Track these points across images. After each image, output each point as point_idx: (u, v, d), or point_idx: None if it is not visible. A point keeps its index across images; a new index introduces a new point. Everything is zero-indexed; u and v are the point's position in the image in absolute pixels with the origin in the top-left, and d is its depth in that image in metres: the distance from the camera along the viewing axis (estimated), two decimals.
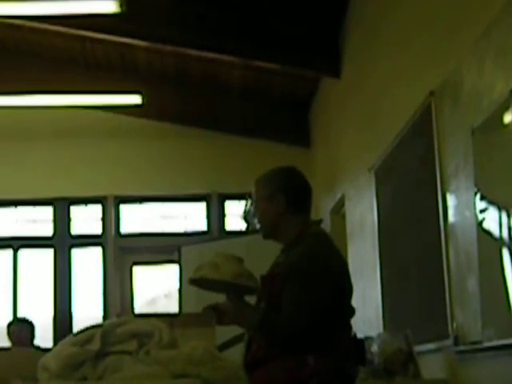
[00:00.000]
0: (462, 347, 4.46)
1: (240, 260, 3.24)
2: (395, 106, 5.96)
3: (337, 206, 8.47)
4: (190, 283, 3.27)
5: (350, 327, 3.33)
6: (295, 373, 3.10)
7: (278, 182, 3.40)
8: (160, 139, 10.18)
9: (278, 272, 3.26)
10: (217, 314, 3.24)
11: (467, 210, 4.35)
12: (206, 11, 7.73)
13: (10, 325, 6.80)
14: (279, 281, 3.19)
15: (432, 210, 4.89)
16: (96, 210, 10.31)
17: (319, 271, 3.17)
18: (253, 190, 3.46)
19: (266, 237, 3.41)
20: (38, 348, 6.50)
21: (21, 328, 6.70)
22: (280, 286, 3.17)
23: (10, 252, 10.18)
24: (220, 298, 3.35)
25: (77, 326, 9.57)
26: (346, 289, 3.28)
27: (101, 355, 2.66)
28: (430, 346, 4.99)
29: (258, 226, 3.43)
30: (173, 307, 9.73)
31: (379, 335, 5.11)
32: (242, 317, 3.21)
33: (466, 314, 4.43)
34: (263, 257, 3.60)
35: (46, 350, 3.72)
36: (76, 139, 10.14)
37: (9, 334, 6.67)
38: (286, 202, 3.33)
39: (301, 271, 3.16)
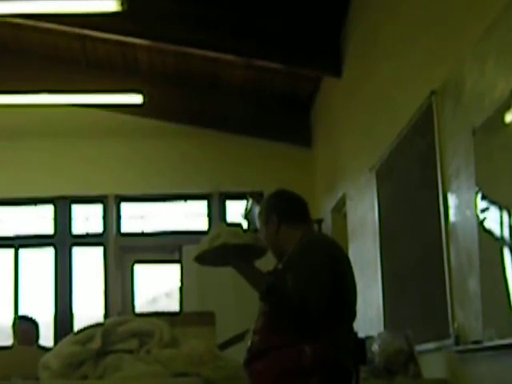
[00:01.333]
0: (462, 347, 4.46)
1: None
2: (396, 106, 5.96)
3: (338, 205, 8.47)
4: (197, 260, 3.35)
5: (350, 327, 3.35)
6: (294, 362, 3.15)
7: (271, 204, 3.62)
8: (161, 138, 10.18)
9: (279, 267, 3.41)
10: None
11: (468, 209, 4.34)
12: (207, 10, 7.73)
13: (15, 322, 6.76)
14: (281, 272, 3.32)
15: (433, 210, 4.89)
16: (97, 208, 10.31)
17: (318, 255, 3.28)
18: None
19: (278, 258, 3.52)
20: (43, 347, 6.46)
21: (28, 326, 6.67)
22: (281, 276, 3.24)
23: (11, 251, 10.18)
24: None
25: (78, 324, 9.56)
26: (347, 286, 3.32)
27: (102, 354, 2.66)
28: (431, 345, 4.99)
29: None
30: (174, 306, 9.73)
31: (380, 335, 5.11)
32: (254, 279, 3.27)
33: (466, 313, 4.42)
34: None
35: (50, 350, 3.71)
36: (77, 138, 10.14)
37: (14, 331, 6.63)
38: (277, 220, 3.52)
39: (301, 257, 3.28)
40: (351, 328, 3.37)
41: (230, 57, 8.39)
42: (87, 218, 10.36)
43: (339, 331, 3.25)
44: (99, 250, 10.24)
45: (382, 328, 6.10)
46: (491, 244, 4.01)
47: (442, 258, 4.74)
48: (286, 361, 3.17)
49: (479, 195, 4.13)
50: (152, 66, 9.50)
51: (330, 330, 3.20)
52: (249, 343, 3.38)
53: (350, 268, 3.39)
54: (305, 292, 3.13)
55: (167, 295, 10.75)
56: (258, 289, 3.25)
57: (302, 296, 3.11)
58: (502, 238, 3.88)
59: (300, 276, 3.18)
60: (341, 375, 3.23)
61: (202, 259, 3.35)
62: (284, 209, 3.55)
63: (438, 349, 4.92)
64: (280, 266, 3.43)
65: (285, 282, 3.17)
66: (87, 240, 10.33)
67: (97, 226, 10.30)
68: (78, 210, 10.32)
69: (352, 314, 3.36)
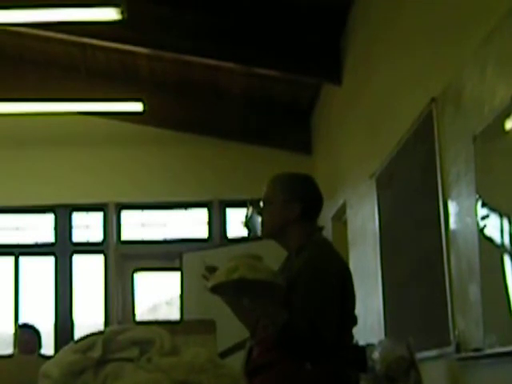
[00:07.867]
0: (463, 354, 4.45)
1: (261, 258, 3.17)
2: (397, 113, 5.96)
3: (338, 213, 8.47)
4: (212, 290, 3.14)
5: (351, 335, 3.32)
6: (294, 377, 3.11)
7: (297, 190, 3.40)
8: (161, 146, 10.19)
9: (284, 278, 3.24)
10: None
11: (469, 216, 4.34)
12: (206, 18, 7.74)
13: (17, 331, 6.72)
14: (287, 289, 3.15)
15: (433, 217, 4.89)
16: (97, 217, 10.31)
17: (323, 280, 3.17)
18: (266, 188, 3.49)
19: (266, 236, 3.40)
20: (44, 356, 6.43)
21: (29, 336, 6.65)
22: (288, 296, 3.14)
23: (11, 259, 10.18)
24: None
25: (78, 333, 9.56)
26: (349, 296, 3.28)
27: (102, 362, 2.65)
28: (432, 353, 4.98)
29: (259, 224, 3.42)
30: (174, 314, 9.73)
31: (381, 342, 5.10)
32: (270, 317, 3.13)
33: (467, 320, 4.42)
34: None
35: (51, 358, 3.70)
36: (77, 146, 10.16)
37: (16, 340, 6.61)
38: (300, 211, 3.33)
39: (310, 280, 3.15)
40: (352, 335, 3.34)
41: (229, 64, 8.40)
42: (87, 226, 10.36)
43: (342, 342, 3.22)
44: (99, 257, 10.25)
45: (382, 335, 6.09)
46: (491, 251, 4.00)
47: (443, 265, 4.73)
48: (285, 376, 3.12)
49: (479, 202, 4.13)
50: (152, 74, 9.51)
51: (334, 344, 3.16)
52: (246, 350, 3.34)
53: (351, 276, 3.34)
54: (319, 325, 3.04)
55: (168, 303, 10.75)
56: (272, 328, 3.11)
57: (316, 331, 3.03)
58: (503, 245, 3.88)
59: (312, 305, 3.09)
60: None
61: (217, 290, 3.20)
62: (310, 205, 3.35)
63: (438, 356, 4.91)
64: (284, 269, 3.34)
65: (297, 313, 3.06)
66: (87, 248, 10.33)
67: (97, 234, 10.30)
68: (78, 218, 10.32)
69: (353, 321, 3.33)
